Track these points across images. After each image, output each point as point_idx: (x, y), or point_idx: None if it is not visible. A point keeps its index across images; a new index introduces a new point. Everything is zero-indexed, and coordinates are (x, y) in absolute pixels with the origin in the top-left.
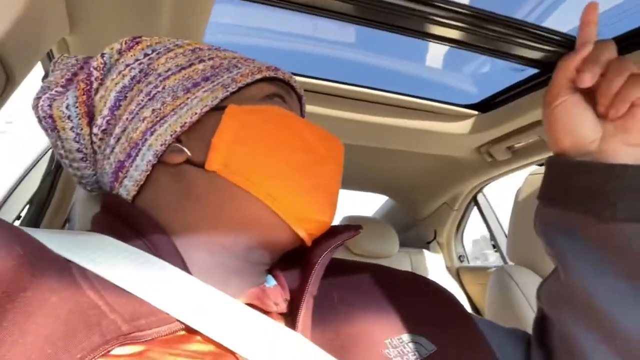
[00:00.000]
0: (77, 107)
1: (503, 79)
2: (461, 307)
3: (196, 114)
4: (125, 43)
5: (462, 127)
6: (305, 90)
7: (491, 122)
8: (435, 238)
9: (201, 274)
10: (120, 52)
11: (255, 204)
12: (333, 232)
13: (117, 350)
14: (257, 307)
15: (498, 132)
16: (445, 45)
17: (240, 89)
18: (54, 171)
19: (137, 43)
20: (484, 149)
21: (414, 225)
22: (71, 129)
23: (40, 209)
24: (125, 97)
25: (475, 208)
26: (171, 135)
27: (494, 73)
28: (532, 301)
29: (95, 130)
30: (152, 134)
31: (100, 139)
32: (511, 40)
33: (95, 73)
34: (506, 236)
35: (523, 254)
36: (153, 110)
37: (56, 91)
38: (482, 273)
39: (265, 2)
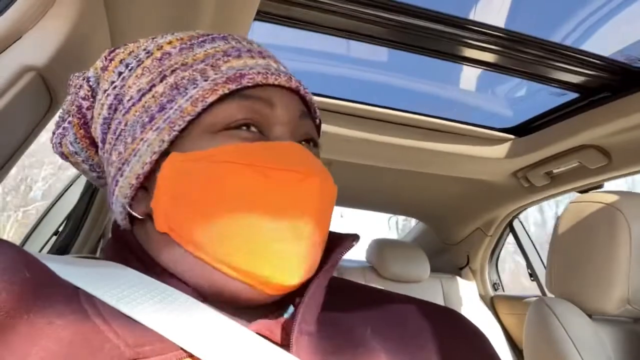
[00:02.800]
0: (78, 142)
1: (540, 103)
2: (494, 353)
3: (146, 163)
4: (105, 59)
5: (497, 151)
6: (339, 113)
7: (528, 147)
8: (468, 264)
9: (213, 304)
10: (103, 70)
11: (209, 269)
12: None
13: None
14: (268, 337)
15: (536, 157)
16: (480, 68)
17: (194, 119)
18: (92, 188)
19: (112, 60)
20: (520, 174)
21: (446, 250)
22: (83, 162)
23: (77, 224)
24: (109, 128)
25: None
26: (129, 189)
27: (531, 96)
28: (572, 335)
29: (103, 160)
30: (116, 184)
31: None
32: (549, 63)
33: (85, 103)
34: (544, 266)
35: (564, 286)
36: (119, 154)
37: (63, 127)
38: (518, 303)
39: (300, 27)
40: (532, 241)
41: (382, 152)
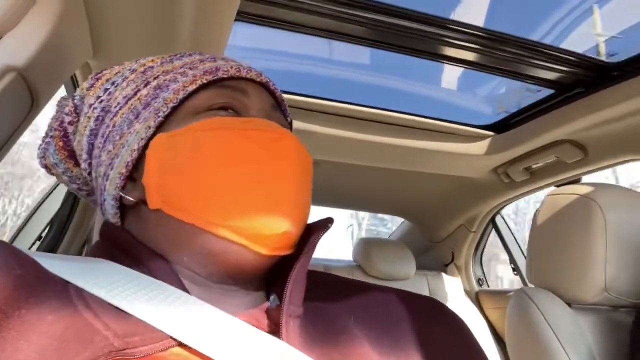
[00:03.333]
0: (57, 154)
1: (518, 100)
2: (478, 346)
3: (134, 150)
4: (91, 79)
5: (477, 147)
6: (323, 113)
7: (507, 143)
8: (452, 260)
9: (199, 294)
10: (88, 89)
11: (204, 235)
12: (308, 233)
13: None
14: (255, 326)
15: (514, 153)
16: (460, 66)
17: (175, 108)
18: (74, 194)
19: (98, 79)
20: (500, 170)
21: (431, 247)
22: (63, 173)
23: (61, 230)
24: (95, 137)
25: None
26: (120, 179)
27: (510, 94)
28: (552, 324)
29: (83, 172)
30: (107, 178)
31: (89, 179)
32: (526, 61)
33: (67, 118)
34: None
35: (543, 276)
36: (108, 152)
37: (46, 142)
38: (502, 297)
39: (282, 27)
40: (514, 236)
41: (365, 150)
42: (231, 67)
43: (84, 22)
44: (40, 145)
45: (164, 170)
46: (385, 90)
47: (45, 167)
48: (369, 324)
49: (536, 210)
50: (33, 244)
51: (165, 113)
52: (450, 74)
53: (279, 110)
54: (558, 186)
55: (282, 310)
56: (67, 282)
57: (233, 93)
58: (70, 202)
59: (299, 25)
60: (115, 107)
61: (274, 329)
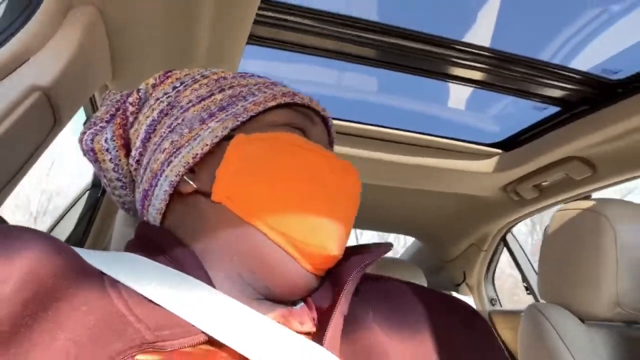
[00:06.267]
0: (114, 140)
1: (526, 118)
2: (499, 344)
3: (207, 145)
4: (159, 77)
5: (486, 165)
6: None
7: (515, 161)
8: (464, 280)
9: (225, 293)
10: (153, 86)
11: (259, 237)
12: (362, 251)
13: (139, 357)
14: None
15: (523, 171)
16: (468, 86)
17: (252, 117)
18: (90, 213)
19: (168, 77)
20: (510, 188)
21: (442, 267)
22: (110, 160)
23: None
24: (154, 129)
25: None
26: (184, 167)
27: (517, 112)
28: (566, 340)
29: (131, 161)
30: (168, 165)
31: (135, 169)
32: (531, 79)
33: (131, 108)
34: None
35: (555, 292)
36: (172, 142)
37: (100, 126)
38: (515, 317)
39: (290, 49)
40: (526, 254)
41: (374, 169)
42: (305, 96)
43: (105, 46)
44: (87, 130)
45: (240, 167)
46: (395, 109)
47: (91, 150)
48: (387, 318)
49: (546, 227)
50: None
51: (245, 119)
52: (459, 93)
53: (330, 147)
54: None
55: (334, 309)
56: (103, 273)
57: (305, 120)
58: (86, 221)
59: (309, 47)
60: (187, 103)
61: (305, 329)
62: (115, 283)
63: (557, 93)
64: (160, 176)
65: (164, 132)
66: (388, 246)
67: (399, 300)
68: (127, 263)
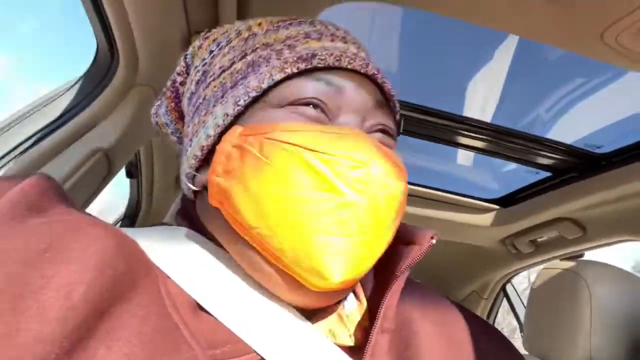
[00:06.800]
0: (168, 114)
1: (522, 179)
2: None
3: (210, 136)
4: (201, 38)
5: (486, 219)
6: None
7: (512, 217)
8: None
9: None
10: (198, 48)
11: (254, 255)
12: (407, 239)
13: None
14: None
15: (519, 227)
16: (469, 151)
17: (259, 97)
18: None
19: (206, 38)
20: (508, 241)
21: None
22: (172, 134)
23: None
24: (192, 104)
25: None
26: (195, 159)
27: (514, 173)
28: None
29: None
30: (185, 154)
31: None
32: (523, 149)
33: (179, 78)
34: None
35: (536, 344)
36: (193, 126)
37: (161, 100)
38: None
39: None
40: (523, 304)
41: None
42: (330, 55)
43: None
44: (154, 104)
45: (229, 173)
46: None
47: (157, 125)
48: (436, 338)
49: (532, 283)
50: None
51: (246, 102)
52: (463, 155)
53: (388, 106)
54: (562, 260)
55: (374, 325)
56: (157, 271)
57: (326, 88)
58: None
59: None
60: (210, 76)
61: (356, 341)
62: (166, 282)
63: (547, 161)
64: (181, 165)
65: (191, 113)
66: (433, 235)
67: (445, 316)
68: (185, 255)
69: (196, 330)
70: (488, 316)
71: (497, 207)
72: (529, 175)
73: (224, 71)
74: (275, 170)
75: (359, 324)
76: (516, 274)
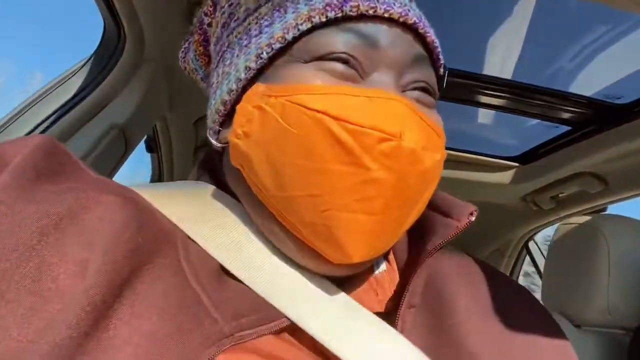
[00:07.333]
0: (197, 59)
1: (541, 134)
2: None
3: (232, 90)
4: None
5: (505, 177)
6: None
7: (533, 173)
8: None
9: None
10: None
11: (275, 224)
12: (445, 211)
13: (220, 357)
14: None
15: (540, 183)
16: (489, 109)
17: (285, 48)
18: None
19: None
20: (529, 198)
21: None
22: (202, 80)
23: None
24: (218, 49)
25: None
26: (218, 114)
27: (533, 129)
28: None
29: None
30: (209, 107)
31: None
32: (542, 104)
33: (206, 19)
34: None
35: (555, 300)
36: (217, 75)
37: (189, 42)
38: None
39: None
40: None
41: None
42: (364, 1)
43: (165, 89)
44: (182, 46)
45: (249, 133)
46: None
47: (186, 70)
48: (478, 310)
49: (551, 238)
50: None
51: (269, 54)
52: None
53: (428, 60)
54: (585, 214)
55: (402, 300)
56: (175, 227)
57: (358, 41)
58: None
59: None
60: (235, 20)
61: (385, 308)
62: (187, 250)
63: (566, 115)
64: (207, 118)
65: (216, 59)
66: (472, 212)
67: (479, 284)
68: (203, 214)
69: (220, 300)
70: (511, 274)
71: (517, 164)
72: (548, 131)
73: (249, 15)
74: (297, 138)
75: (389, 291)
76: (538, 231)
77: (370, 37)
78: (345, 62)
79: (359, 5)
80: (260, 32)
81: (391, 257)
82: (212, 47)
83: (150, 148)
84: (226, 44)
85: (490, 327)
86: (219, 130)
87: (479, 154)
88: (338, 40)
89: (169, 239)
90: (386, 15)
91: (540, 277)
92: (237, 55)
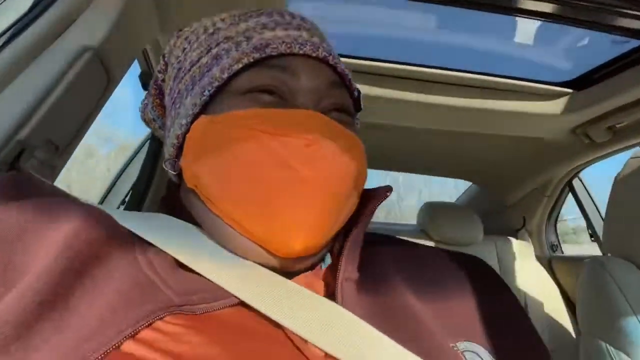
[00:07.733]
0: (155, 110)
1: (602, 53)
2: (524, 312)
3: (182, 125)
4: (175, 37)
5: (554, 106)
6: (385, 76)
7: (588, 101)
8: (524, 226)
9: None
10: (173, 45)
11: (227, 229)
12: (365, 200)
13: (168, 318)
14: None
15: (596, 112)
16: (535, 19)
17: (222, 86)
18: (152, 161)
19: (179, 37)
20: (580, 130)
21: (501, 212)
22: (160, 128)
23: (140, 196)
24: (172, 100)
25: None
26: (172, 147)
27: (591, 46)
28: (629, 297)
29: None
30: (166, 143)
31: None
32: (609, 9)
33: (160, 76)
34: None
35: (621, 244)
36: (171, 118)
37: (147, 97)
38: (577, 264)
39: None
40: (593, 201)
41: (432, 113)
42: (282, 43)
43: (150, 0)
44: (143, 101)
45: (198, 157)
46: (454, 49)
47: (145, 121)
48: (415, 281)
49: (617, 175)
50: (118, 207)
51: (210, 92)
52: (526, 26)
53: (343, 86)
54: None
55: (337, 276)
56: (133, 238)
57: (281, 74)
58: (149, 168)
59: None
60: (182, 71)
61: (330, 292)
62: (145, 251)
63: (637, 24)
64: (165, 154)
65: (169, 105)
66: (387, 190)
67: (426, 265)
68: (158, 226)
69: (172, 282)
70: (550, 214)
71: (570, 90)
72: (609, 50)
73: (193, 65)
74: (237, 153)
75: (332, 277)
76: (585, 167)
77: (289, 69)
78: (271, 92)
79: (277, 47)
80: (202, 77)
81: (334, 250)
82: (166, 98)
83: (145, 85)
84: (176, 92)
85: (430, 293)
86: (175, 162)
87: (524, 79)
88: (264, 75)
89: (126, 239)
90: (301, 52)
91: (586, 217)
92: (186, 97)
